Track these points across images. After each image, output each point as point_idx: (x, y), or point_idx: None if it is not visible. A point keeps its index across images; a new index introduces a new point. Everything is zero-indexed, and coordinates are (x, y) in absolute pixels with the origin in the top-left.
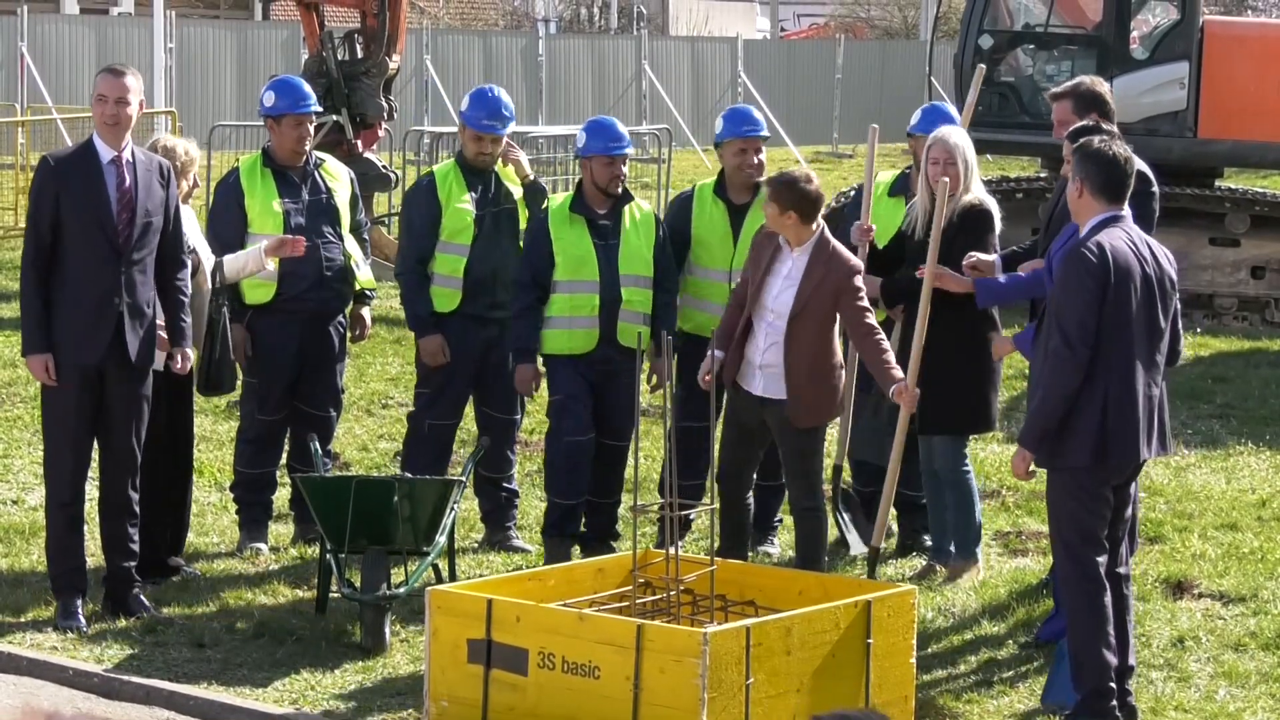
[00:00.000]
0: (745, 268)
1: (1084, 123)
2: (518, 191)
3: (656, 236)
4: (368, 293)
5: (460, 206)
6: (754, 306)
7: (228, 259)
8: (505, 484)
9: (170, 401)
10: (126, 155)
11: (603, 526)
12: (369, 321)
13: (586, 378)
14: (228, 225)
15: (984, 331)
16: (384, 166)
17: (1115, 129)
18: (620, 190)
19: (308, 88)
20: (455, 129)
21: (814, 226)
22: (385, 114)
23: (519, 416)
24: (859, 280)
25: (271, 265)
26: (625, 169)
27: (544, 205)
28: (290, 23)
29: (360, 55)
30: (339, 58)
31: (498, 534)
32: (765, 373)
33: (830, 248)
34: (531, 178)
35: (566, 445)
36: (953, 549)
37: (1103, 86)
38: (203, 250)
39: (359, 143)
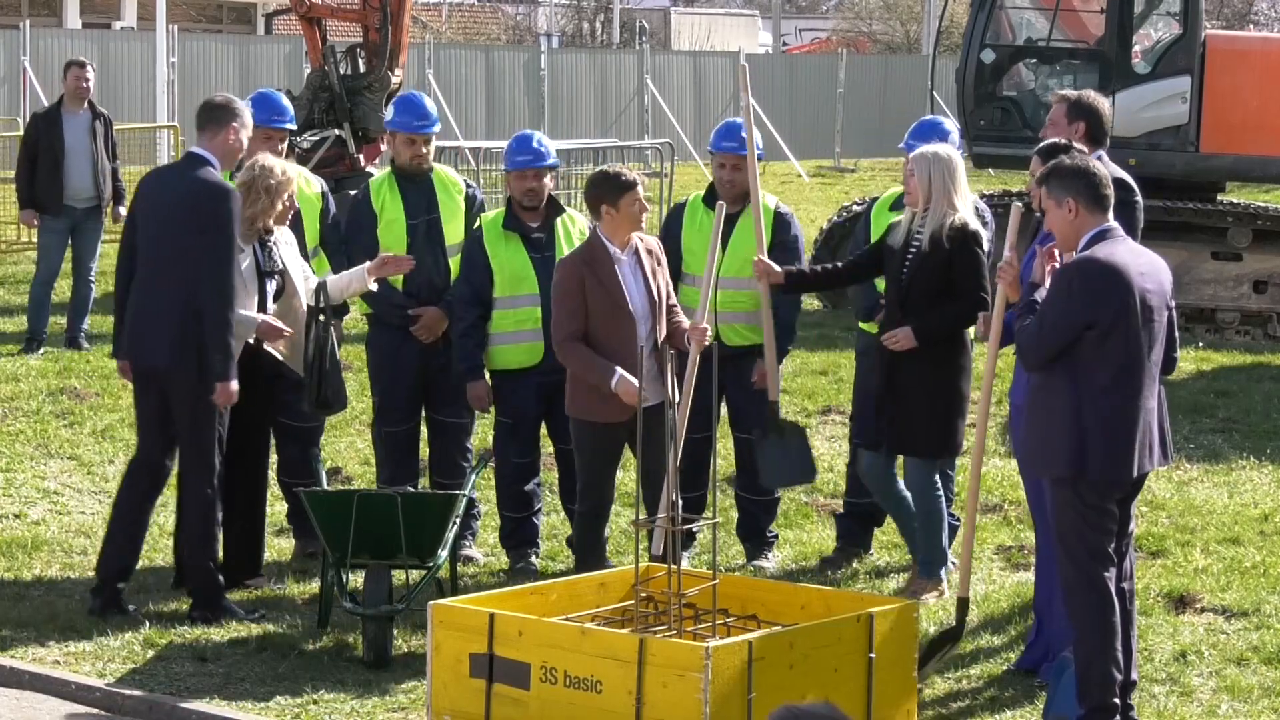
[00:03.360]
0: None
1: (1054, 140)
2: (459, 196)
3: None
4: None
5: (393, 219)
6: (622, 318)
7: (331, 279)
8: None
9: (249, 417)
10: None
11: None
12: (339, 336)
13: (539, 390)
14: None
15: (953, 358)
16: None
17: (1103, 150)
18: (539, 204)
19: (286, 103)
20: (456, 143)
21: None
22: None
23: (467, 420)
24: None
25: (374, 284)
26: (546, 181)
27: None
28: (293, 37)
29: (363, 69)
30: (341, 72)
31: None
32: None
33: (640, 237)
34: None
35: (513, 467)
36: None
37: (1103, 103)
38: (296, 272)
39: (361, 157)
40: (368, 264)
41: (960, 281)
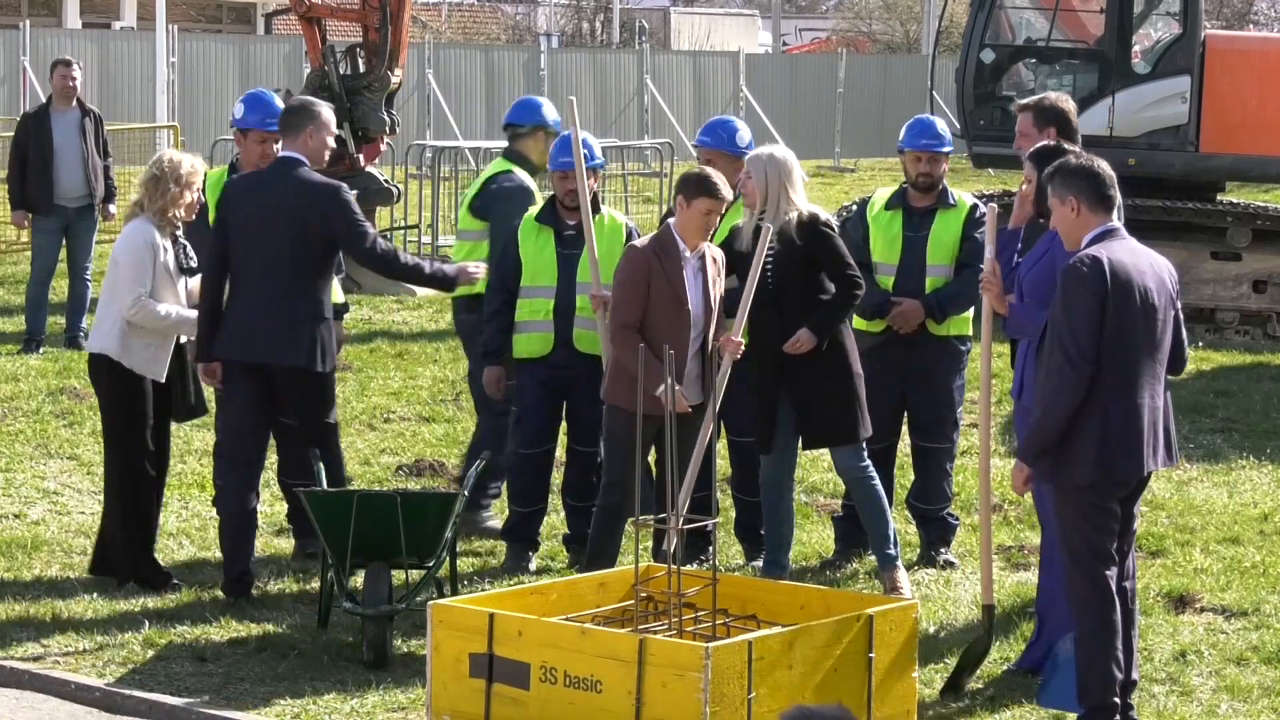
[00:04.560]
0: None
1: (1045, 141)
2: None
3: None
4: (337, 306)
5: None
6: (680, 313)
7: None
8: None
9: (157, 416)
10: None
11: (583, 530)
12: (341, 336)
13: (549, 384)
14: (192, 239)
15: (840, 340)
16: (386, 180)
17: (1078, 148)
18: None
19: (279, 103)
20: (456, 143)
21: None
22: (387, 128)
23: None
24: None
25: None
26: (592, 183)
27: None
28: (292, 36)
29: (362, 69)
30: (341, 72)
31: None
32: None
33: (707, 245)
34: None
35: (519, 457)
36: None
37: (1067, 104)
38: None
39: (361, 157)
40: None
41: (829, 270)
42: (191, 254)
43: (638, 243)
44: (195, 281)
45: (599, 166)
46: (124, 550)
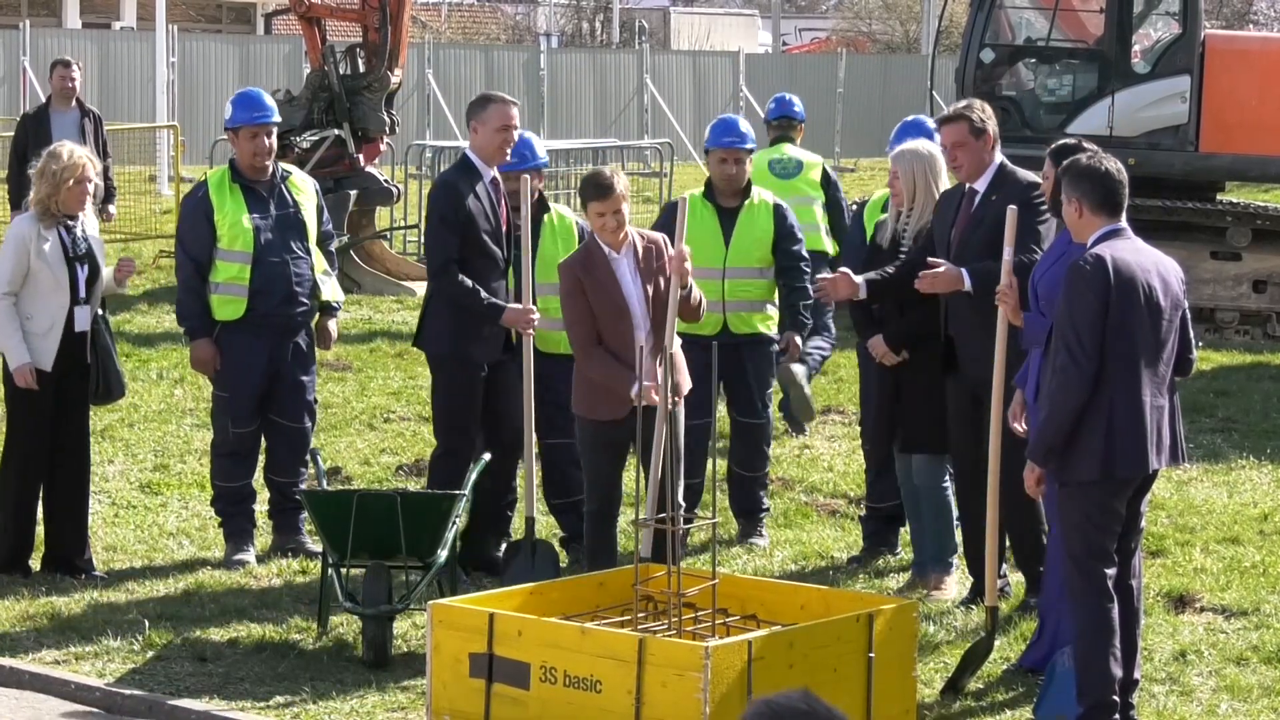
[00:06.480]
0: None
1: (1066, 140)
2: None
3: (577, 242)
4: (333, 304)
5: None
6: (622, 318)
7: (105, 272)
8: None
9: (68, 409)
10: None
11: (571, 527)
12: (334, 333)
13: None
14: (197, 240)
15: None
16: (386, 180)
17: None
18: (532, 205)
19: (269, 100)
20: (456, 143)
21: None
22: (387, 128)
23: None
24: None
25: (125, 288)
26: (537, 183)
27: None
28: (292, 37)
29: (362, 69)
30: (341, 72)
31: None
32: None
33: (640, 235)
34: None
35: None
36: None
37: (988, 111)
38: (100, 257)
39: (361, 157)
40: (110, 268)
41: None
42: (85, 239)
43: (566, 259)
44: (108, 271)
45: (541, 166)
46: (17, 539)
